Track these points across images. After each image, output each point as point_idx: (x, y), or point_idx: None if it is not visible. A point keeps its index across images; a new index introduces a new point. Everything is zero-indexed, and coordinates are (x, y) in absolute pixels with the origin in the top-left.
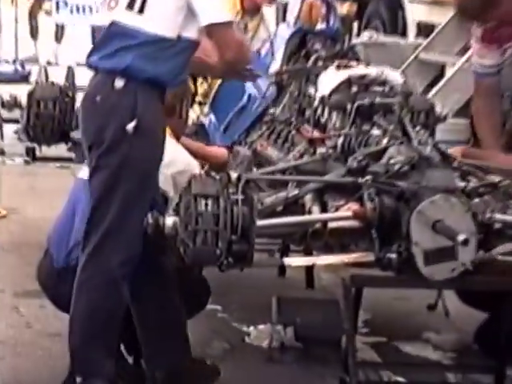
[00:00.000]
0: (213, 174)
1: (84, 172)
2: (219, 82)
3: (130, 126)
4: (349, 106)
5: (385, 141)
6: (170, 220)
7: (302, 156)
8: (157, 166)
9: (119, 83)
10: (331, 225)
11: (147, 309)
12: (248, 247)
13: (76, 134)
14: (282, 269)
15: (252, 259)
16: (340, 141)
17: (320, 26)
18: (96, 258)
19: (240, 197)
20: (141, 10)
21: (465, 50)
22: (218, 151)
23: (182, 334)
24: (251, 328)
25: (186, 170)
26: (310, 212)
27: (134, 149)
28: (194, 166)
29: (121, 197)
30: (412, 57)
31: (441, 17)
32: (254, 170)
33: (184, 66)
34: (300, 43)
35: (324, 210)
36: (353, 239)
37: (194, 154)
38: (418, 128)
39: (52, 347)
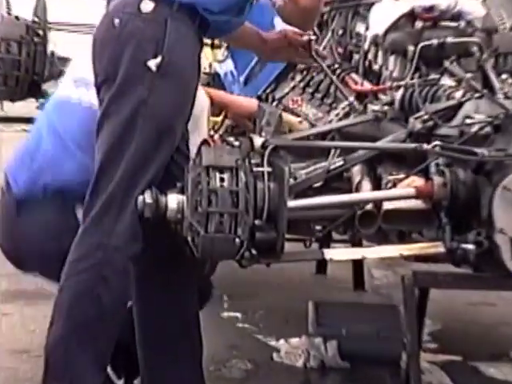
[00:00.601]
0: (230, 139)
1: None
2: None
3: (154, 63)
4: (411, 48)
5: (459, 94)
6: (173, 200)
7: (347, 115)
8: (182, 119)
9: (147, 6)
10: (387, 206)
11: (154, 317)
12: (277, 235)
13: (50, 87)
14: (322, 264)
15: (282, 251)
16: (399, 94)
17: None
18: (94, 231)
19: (266, 169)
20: None
21: None
22: (244, 100)
23: (198, 366)
24: (281, 342)
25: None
26: (358, 189)
27: (154, 93)
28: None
29: (132, 154)
30: None
31: None
32: (285, 133)
33: None
34: None
35: (377, 186)
36: (415, 225)
37: (211, 100)
38: (504, 76)
39: (19, 367)
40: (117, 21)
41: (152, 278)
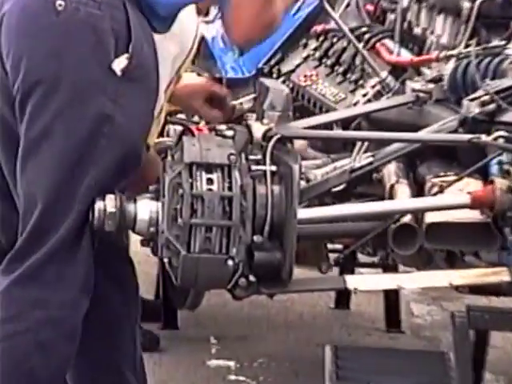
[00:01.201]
0: (221, 127)
1: None
2: None
3: (118, 65)
4: (466, 4)
5: None
6: (144, 208)
7: (378, 96)
8: (144, 137)
9: None
10: (431, 218)
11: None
12: (282, 256)
13: None
14: (343, 296)
15: (290, 278)
16: (449, 68)
17: None
18: (30, 282)
19: (269, 168)
20: None
21: None
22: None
23: None
24: None
25: None
26: (392, 195)
27: (120, 105)
28: None
29: (89, 189)
30: None
31: None
32: (294, 120)
33: None
34: None
35: (418, 191)
36: (470, 244)
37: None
38: None
39: None
40: (60, 3)
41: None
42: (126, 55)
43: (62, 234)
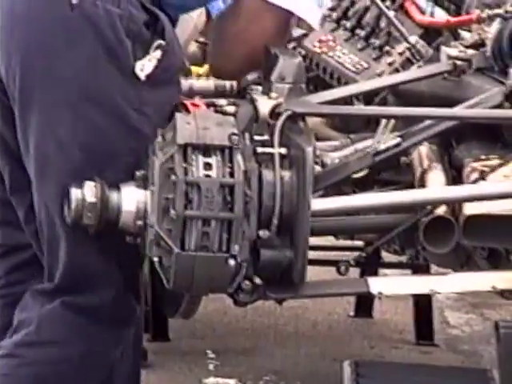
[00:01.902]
0: (221, 101)
1: None
2: None
3: (144, 69)
4: None
5: None
6: (130, 197)
7: (407, 64)
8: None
9: None
10: (470, 209)
11: None
12: (294, 255)
13: None
14: (365, 302)
15: (302, 280)
16: (493, 30)
17: None
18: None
19: (278, 150)
20: None
21: None
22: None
23: None
24: None
25: None
26: (423, 182)
27: (146, 118)
28: None
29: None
30: None
31: None
32: (308, 94)
33: None
34: None
35: (455, 177)
36: None
37: None
38: None
39: None
40: None
41: None
42: (153, 57)
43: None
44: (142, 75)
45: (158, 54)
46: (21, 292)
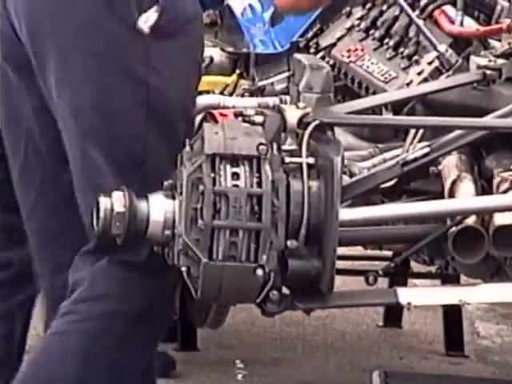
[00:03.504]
0: (249, 111)
1: None
2: None
3: (147, 22)
4: None
5: None
6: (158, 207)
7: (437, 74)
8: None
9: None
10: (500, 220)
11: None
12: (322, 265)
13: None
14: (394, 312)
15: (331, 291)
16: None
17: None
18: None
19: (306, 160)
20: None
21: None
22: None
23: None
24: None
25: None
26: (453, 192)
27: (155, 71)
28: None
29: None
30: None
31: None
32: (336, 103)
33: None
34: None
35: (485, 187)
36: None
37: None
38: None
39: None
40: None
41: None
42: (154, 9)
43: None
44: (146, 27)
45: (161, 4)
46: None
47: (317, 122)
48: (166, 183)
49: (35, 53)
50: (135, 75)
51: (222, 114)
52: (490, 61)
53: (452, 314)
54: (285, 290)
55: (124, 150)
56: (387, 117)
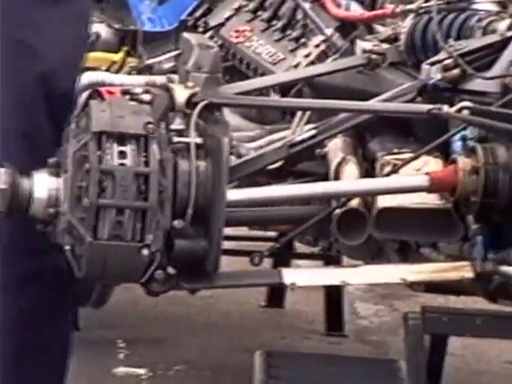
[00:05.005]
0: (137, 90)
1: None
2: None
3: None
4: None
5: (503, 25)
6: (42, 184)
7: (323, 57)
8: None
9: None
10: (382, 202)
11: None
12: (208, 245)
13: None
14: (277, 292)
15: (216, 270)
16: (406, 25)
17: None
18: None
19: (193, 140)
20: None
21: None
22: None
23: None
24: None
25: None
26: (337, 174)
27: (43, 37)
28: None
29: None
30: None
31: None
32: (224, 84)
33: None
34: None
35: (368, 170)
36: (427, 233)
37: None
38: None
39: None
40: None
41: None
42: None
43: None
44: None
45: None
46: None
47: (205, 102)
48: (50, 160)
49: None
50: (24, 40)
51: (108, 92)
52: (374, 45)
53: (333, 295)
54: (170, 270)
55: (8, 121)
56: (275, 99)
